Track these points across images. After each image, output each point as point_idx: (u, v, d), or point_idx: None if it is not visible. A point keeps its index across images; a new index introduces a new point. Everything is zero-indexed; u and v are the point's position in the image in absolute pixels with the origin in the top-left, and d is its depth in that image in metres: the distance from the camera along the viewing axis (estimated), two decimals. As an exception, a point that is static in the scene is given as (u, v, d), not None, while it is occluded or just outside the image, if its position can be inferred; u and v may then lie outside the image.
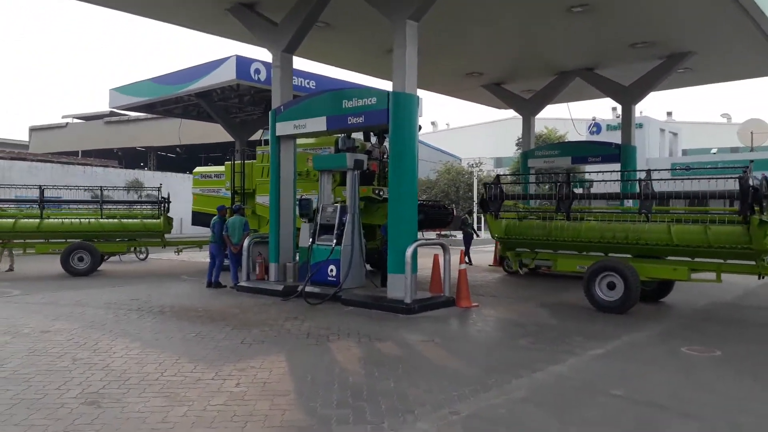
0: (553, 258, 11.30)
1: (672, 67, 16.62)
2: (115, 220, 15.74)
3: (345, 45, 15.58)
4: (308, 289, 10.81)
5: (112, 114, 47.89)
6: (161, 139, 44.27)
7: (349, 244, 10.90)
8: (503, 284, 13.88)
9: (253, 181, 15.87)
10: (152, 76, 21.65)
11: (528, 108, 19.95)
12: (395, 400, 5.25)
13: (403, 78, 9.87)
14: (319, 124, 11.02)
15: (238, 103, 22.60)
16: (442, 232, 29.05)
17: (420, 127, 12.98)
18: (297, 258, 11.99)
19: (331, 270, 10.97)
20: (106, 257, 16.28)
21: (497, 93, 19.97)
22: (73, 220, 15.46)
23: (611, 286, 9.78)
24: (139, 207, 17.81)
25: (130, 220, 15.93)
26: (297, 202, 11.91)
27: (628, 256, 10.31)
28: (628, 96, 17.84)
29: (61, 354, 6.87)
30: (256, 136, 31.19)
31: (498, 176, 12.11)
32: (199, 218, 17.76)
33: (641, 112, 42.17)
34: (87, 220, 15.53)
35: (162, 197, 16.31)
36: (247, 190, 15.24)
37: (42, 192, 15.38)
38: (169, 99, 22.23)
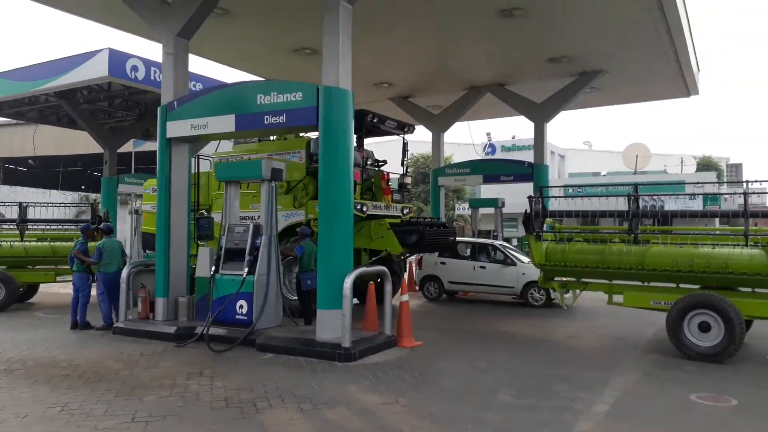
0: (607, 290, 9.21)
1: (583, 86, 16.31)
2: (45, 243, 13.06)
3: (245, 39, 13.45)
4: (211, 330, 8.57)
5: (-54, 119, 41.21)
6: (9, 149, 38.58)
7: (265, 273, 8.79)
8: (429, 313, 12.38)
9: (209, 196, 12.78)
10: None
11: (437, 124, 18.90)
12: None
13: (336, 70, 8.07)
14: (225, 123, 8.89)
15: (108, 107, 19.52)
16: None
17: (413, 128, 12.10)
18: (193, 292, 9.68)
19: (241, 306, 8.79)
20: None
21: (405, 107, 18.71)
22: None
23: (704, 328, 7.85)
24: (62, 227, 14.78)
25: (62, 244, 13.00)
26: (195, 221, 9.65)
27: (696, 287, 8.56)
28: (540, 114, 17.27)
29: None
30: (128, 147, 27.77)
31: (540, 188, 10.08)
32: (151, 241, 13.85)
33: (514, 136, 43.25)
34: (8, 243, 12.66)
35: (98, 216, 13.34)
36: (203, 207, 12.10)
37: None
38: (21, 99, 18.69)
